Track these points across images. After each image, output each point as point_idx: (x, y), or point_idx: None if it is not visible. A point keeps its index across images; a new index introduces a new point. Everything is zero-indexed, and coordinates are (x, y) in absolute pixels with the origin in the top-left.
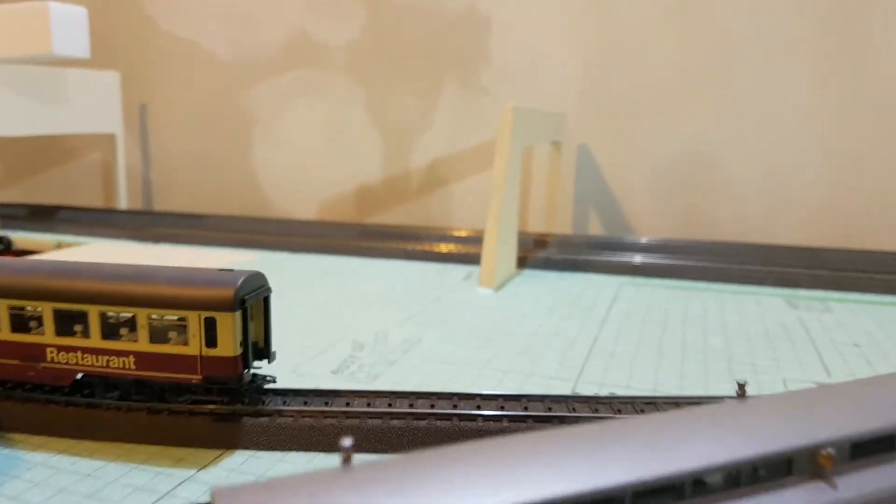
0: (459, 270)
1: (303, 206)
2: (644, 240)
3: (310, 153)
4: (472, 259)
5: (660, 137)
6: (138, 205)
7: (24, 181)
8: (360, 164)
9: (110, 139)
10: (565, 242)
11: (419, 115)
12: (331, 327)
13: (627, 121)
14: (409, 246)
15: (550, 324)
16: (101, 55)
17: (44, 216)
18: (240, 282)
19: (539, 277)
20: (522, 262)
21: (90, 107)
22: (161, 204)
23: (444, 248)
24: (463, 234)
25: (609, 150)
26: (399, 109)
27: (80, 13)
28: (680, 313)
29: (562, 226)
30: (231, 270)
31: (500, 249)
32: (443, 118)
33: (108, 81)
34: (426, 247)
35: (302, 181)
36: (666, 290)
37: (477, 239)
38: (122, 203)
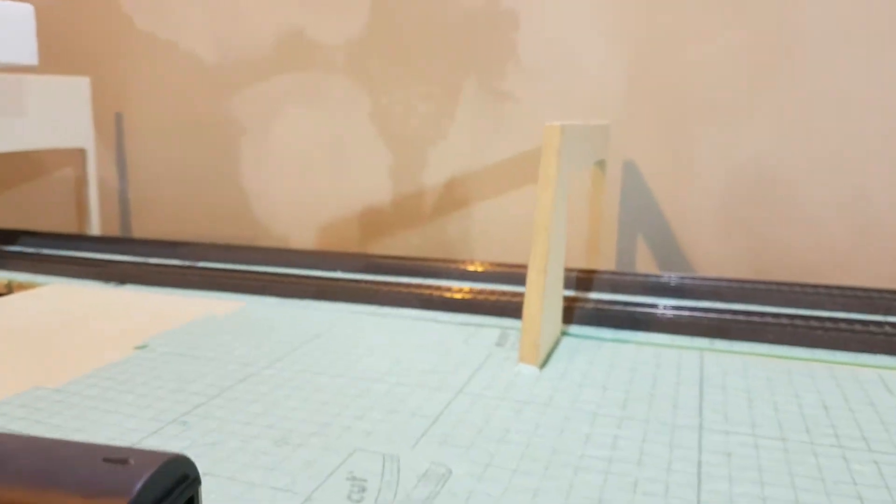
0: (489, 331)
1: (298, 231)
2: (711, 281)
3: (306, 168)
4: (503, 310)
5: (721, 152)
6: (114, 226)
7: None
8: (365, 182)
9: (82, 153)
10: (615, 284)
11: (433, 123)
12: (318, 447)
13: (682, 132)
14: (425, 289)
15: (628, 436)
16: (69, 59)
17: (1, 243)
18: (138, 488)
19: (592, 342)
20: (567, 315)
21: (55, 118)
22: (139, 226)
23: (466, 291)
24: (487, 268)
25: (660, 167)
26: (409, 117)
27: (25, 11)
28: (795, 405)
29: (604, 261)
30: (127, 462)
31: (545, 313)
32: (460, 127)
33: (77, 89)
34: (444, 290)
35: (297, 201)
36: (762, 363)
37: (505, 277)
38: (94, 226)
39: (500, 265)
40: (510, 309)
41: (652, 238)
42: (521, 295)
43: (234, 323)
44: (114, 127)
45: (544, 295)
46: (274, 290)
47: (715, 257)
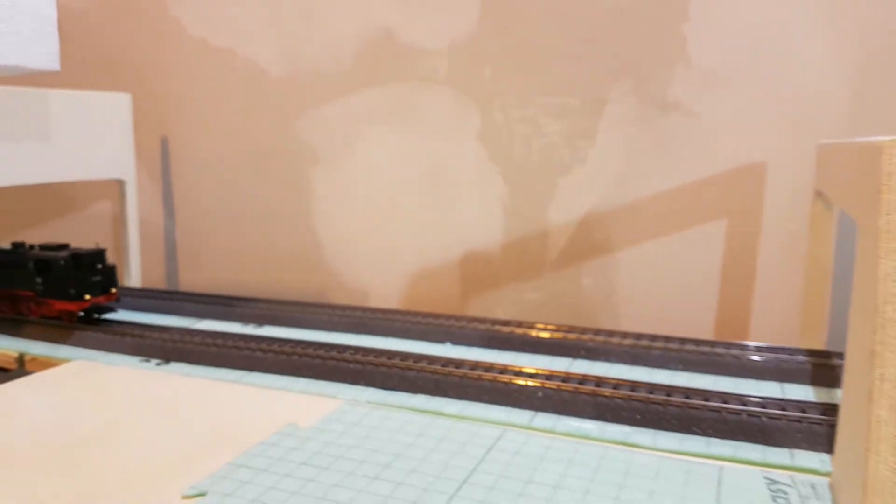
0: (740, 473)
1: (381, 283)
2: None
3: (394, 204)
4: (749, 431)
5: None
6: (159, 274)
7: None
8: (470, 220)
9: (120, 185)
10: None
11: (565, 145)
12: None
13: None
14: (606, 387)
15: None
16: (105, 71)
17: None
18: None
19: None
20: None
21: (89, 144)
22: (189, 274)
23: (669, 392)
24: (653, 346)
25: None
26: (532, 138)
27: (44, 4)
28: None
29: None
30: None
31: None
32: (604, 150)
33: (115, 108)
34: (627, 387)
35: (381, 246)
36: None
37: (692, 362)
38: (134, 275)
39: (698, 344)
40: (751, 429)
41: None
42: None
43: (334, 441)
44: (158, 154)
45: None
46: (374, 379)
47: None
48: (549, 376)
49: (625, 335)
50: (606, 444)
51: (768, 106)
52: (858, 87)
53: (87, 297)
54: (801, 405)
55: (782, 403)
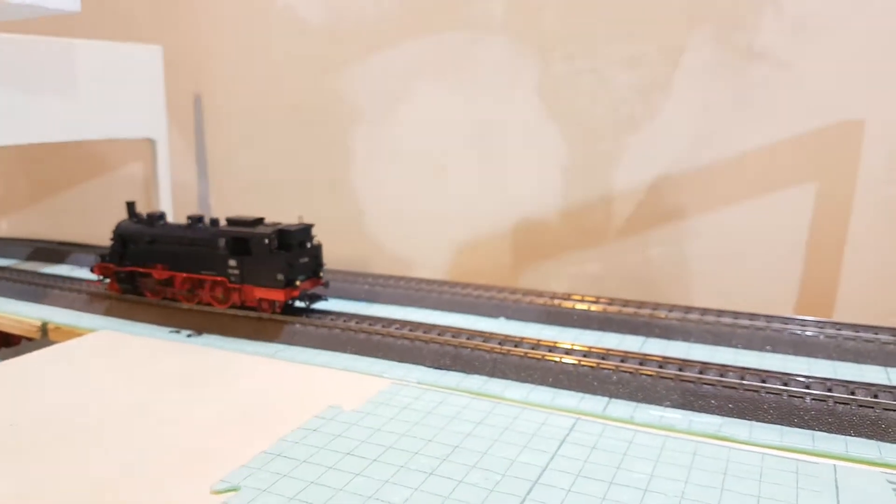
0: (850, 470)
1: (427, 252)
2: None
3: (442, 167)
4: (841, 421)
5: None
6: None
7: (37, 204)
8: (525, 185)
9: (152, 146)
10: None
11: (636, 100)
12: None
13: None
14: (674, 368)
15: None
16: (133, 21)
17: (48, 259)
18: None
19: None
20: None
21: (117, 99)
22: None
23: (758, 375)
24: (738, 324)
25: None
26: (598, 91)
27: None
28: None
29: None
30: None
31: None
32: (679, 105)
33: (146, 60)
34: (707, 369)
35: (427, 211)
36: None
37: (783, 343)
38: None
39: (778, 320)
40: (863, 422)
41: None
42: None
43: (382, 428)
44: (192, 112)
45: None
46: (423, 357)
47: None
48: (624, 358)
49: (704, 311)
50: (697, 438)
51: (869, 56)
52: None
53: (298, 282)
54: None
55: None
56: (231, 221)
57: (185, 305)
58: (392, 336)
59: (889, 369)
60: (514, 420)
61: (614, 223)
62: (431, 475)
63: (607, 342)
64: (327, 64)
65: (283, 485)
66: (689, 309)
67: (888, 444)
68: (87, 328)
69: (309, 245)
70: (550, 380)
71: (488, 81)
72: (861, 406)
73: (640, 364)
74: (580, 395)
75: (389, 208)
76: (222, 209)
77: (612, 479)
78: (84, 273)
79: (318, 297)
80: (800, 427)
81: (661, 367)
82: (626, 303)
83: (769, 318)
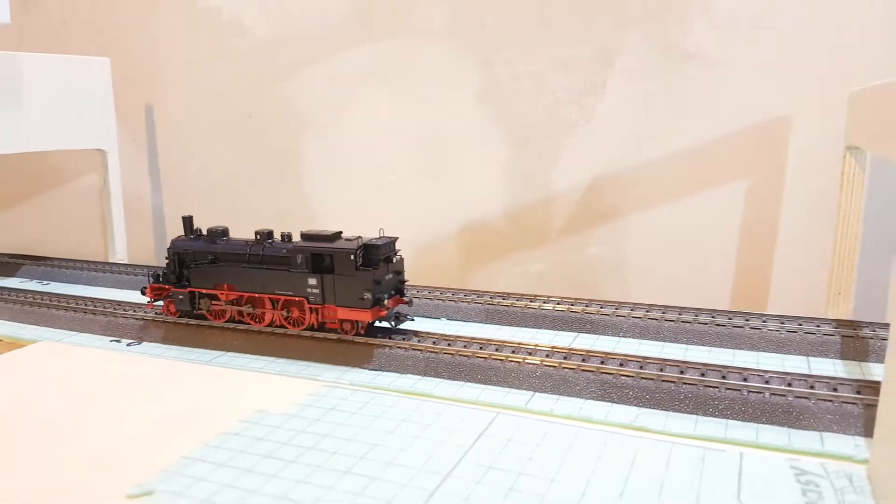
0: (755, 459)
1: None
2: None
3: (389, 171)
4: (765, 412)
5: None
6: (147, 249)
7: None
8: (470, 187)
9: (102, 156)
10: None
11: (571, 102)
12: None
13: None
14: (593, 361)
15: None
16: (82, 34)
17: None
18: None
19: None
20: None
21: (65, 111)
22: None
23: (672, 366)
24: (666, 318)
25: None
26: (538, 95)
27: None
28: None
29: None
30: None
31: None
32: (614, 107)
33: (94, 72)
34: (626, 361)
35: (376, 215)
36: None
37: (712, 336)
38: (119, 250)
39: (702, 314)
40: (774, 410)
41: None
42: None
43: (305, 430)
44: (144, 123)
45: None
46: (357, 359)
47: None
48: (550, 353)
49: (634, 307)
50: (611, 428)
51: (796, 54)
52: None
53: (387, 302)
54: (832, 382)
55: (810, 380)
56: (307, 236)
57: (255, 328)
58: (327, 340)
59: (811, 358)
60: (438, 417)
61: (555, 223)
62: (346, 474)
63: (540, 338)
64: (275, 73)
65: (198, 488)
66: (621, 305)
67: (798, 431)
68: (30, 339)
69: (394, 259)
70: (479, 376)
71: (432, 87)
72: (773, 395)
73: (565, 358)
74: (506, 390)
75: (338, 212)
76: (176, 217)
77: (521, 469)
78: (33, 285)
79: (404, 317)
80: (714, 416)
81: (583, 360)
82: (562, 300)
83: (697, 311)
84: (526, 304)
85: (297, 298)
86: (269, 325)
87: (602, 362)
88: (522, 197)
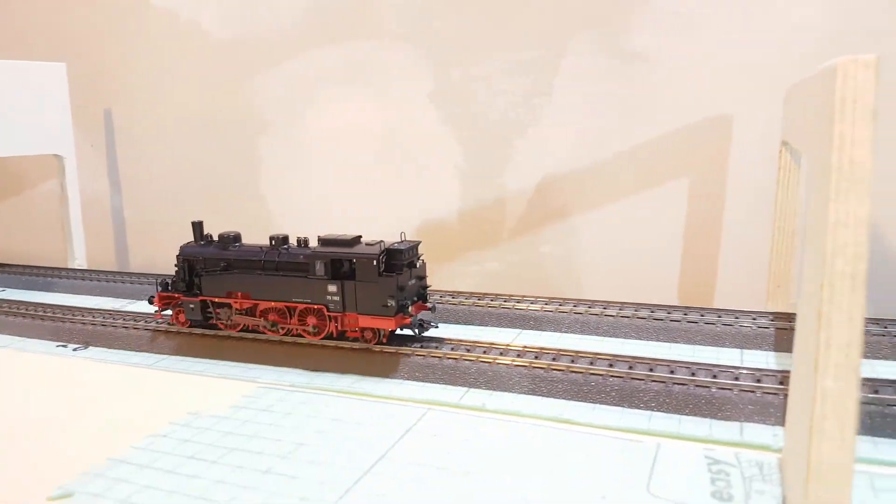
0: (670, 450)
1: None
2: None
3: (346, 172)
4: (690, 403)
5: None
6: (108, 254)
7: None
8: (425, 187)
9: (59, 162)
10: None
11: (522, 104)
12: None
13: None
14: (525, 356)
15: None
16: (38, 39)
17: None
18: None
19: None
20: None
21: (19, 116)
22: (140, 253)
23: (602, 359)
24: (606, 314)
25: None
26: (490, 97)
27: None
28: None
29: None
30: None
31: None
32: (562, 108)
33: (49, 78)
34: (558, 356)
35: (334, 216)
36: None
37: (651, 330)
38: (79, 257)
39: (647, 309)
40: (697, 401)
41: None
42: (707, 369)
43: (234, 431)
44: (103, 127)
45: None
46: (298, 360)
47: None
48: (488, 349)
49: (577, 303)
50: (538, 422)
51: (736, 53)
52: (833, 28)
53: (411, 309)
54: (757, 374)
55: (736, 372)
56: (325, 241)
57: (274, 337)
58: (269, 342)
59: (745, 351)
60: (371, 415)
61: (508, 223)
62: (266, 473)
63: (486, 336)
64: (233, 75)
65: (117, 489)
66: (565, 301)
67: (720, 422)
68: None
69: (417, 265)
70: (417, 374)
71: (388, 89)
72: (698, 386)
73: (501, 354)
74: (442, 386)
75: (297, 213)
76: (136, 221)
77: (441, 464)
78: None
79: (427, 324)
80: (638, 408)
81: (518, 356)
82: (508, 298)
83: (638, 307)
84: (473, 303)
85: (316, 306)
86: (286, 334)
87: (536, 357)
88: (477, 197)
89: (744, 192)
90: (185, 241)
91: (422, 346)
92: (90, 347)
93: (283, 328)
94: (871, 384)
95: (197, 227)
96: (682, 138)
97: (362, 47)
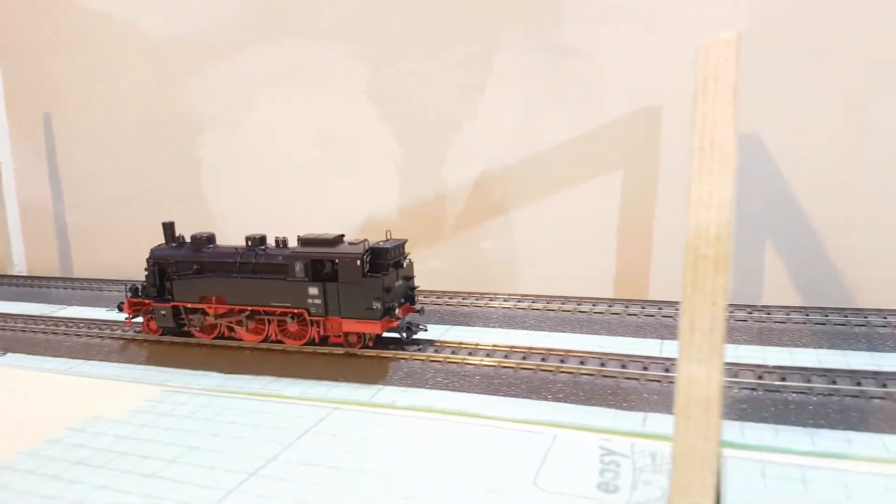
0: (566, 440)
1: None
2: None
3: (286, 171)
4: (597, 394)
5: None
6: (51, 259)
7: None
8: (365, 185)
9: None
10: (762, 333)
11: (458, 99)
12: None
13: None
14: (443, 351)
15: None
16: None
17: None
18: None
19: (787, 470)
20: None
21: None
22: (83, 258)
23: (510, 351)
24: (549, 309)
25: (828, 142)
26: (425, 93)
27: None
28: None
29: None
30: None
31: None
32: (496, 102)
33: None
34: (473, 351)
35: (275, 216)
36: None
37: (576, 323)
38: (18, 263)
39: (569, 301)
40: (603, 392)
41: (781, 246)
42: (621, 360)
43: (128, 436)
44: (42, 131)
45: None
46: (214, 363)
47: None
48: (405, 346)
49: (507, 298)
50: (444, 416)
51: (662, 42)
52: (758, 21)
53: (398, 311)
54: (666, 363)
55: (645, 362)
56: (305, 241)
57: (248, 344)
58: (188, 345)
59: (664, 341)
60: (273, 416)
61: (448, 220)
62: (150, 478)
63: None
64: (172, 76)
65: None
66: (495, 297)
67: (624, 412)
68: None
69: (404, 264)
70: (331, 374)
71: (326, 86)
72: (605, 377)
73: (418, 349)
74: (355, 385)
75: (240, 214)
76: (79, 225)
77: (333, 463)
78: None
79: (416, 327)
80: (545, 399)
81: (436, 351)
82: (440, 295)
83: (565, 300)
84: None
85: (296, 310)
86: (264, 341)
87: (453, 352)
88: (417, 195)
89: (675, 183)
90: (136, 245)
91: (339, 346)
92: (8, 354)
93: (260, 332)
94: (780, 372)
95: (168, 228)
96: (614, 130)
97: (298, 44)
